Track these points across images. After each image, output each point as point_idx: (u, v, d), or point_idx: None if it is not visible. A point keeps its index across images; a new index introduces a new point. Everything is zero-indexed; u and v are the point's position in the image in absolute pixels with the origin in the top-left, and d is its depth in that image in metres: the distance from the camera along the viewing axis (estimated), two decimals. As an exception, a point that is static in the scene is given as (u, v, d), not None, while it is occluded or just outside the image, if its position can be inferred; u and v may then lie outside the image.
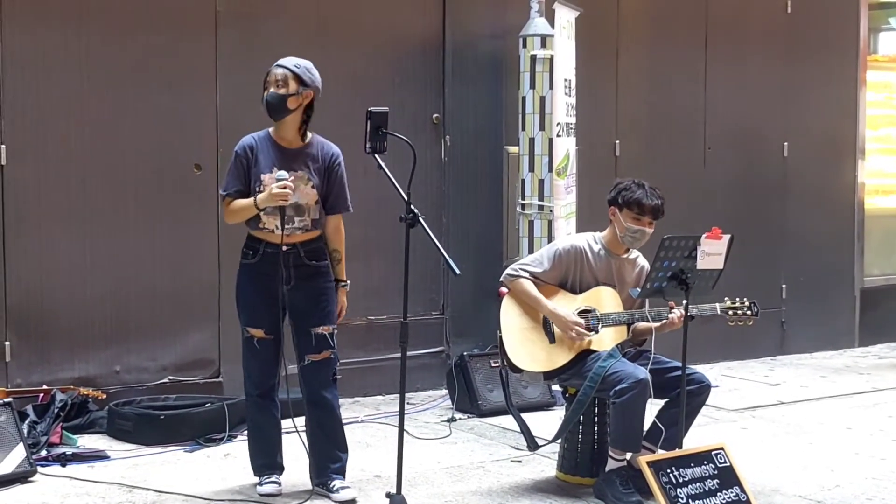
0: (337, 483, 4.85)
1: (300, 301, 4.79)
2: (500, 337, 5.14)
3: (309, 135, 4.83)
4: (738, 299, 5.14)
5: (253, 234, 4.79)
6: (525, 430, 5.30)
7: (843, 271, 9.41)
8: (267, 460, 4.96)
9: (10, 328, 6.05)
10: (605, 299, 5.12)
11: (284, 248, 4.70)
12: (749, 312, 5.11)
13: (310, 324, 4.82)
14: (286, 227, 4.68)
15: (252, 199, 4.68)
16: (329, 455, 4.89)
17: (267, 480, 4.93)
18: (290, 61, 4.74)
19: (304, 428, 4.91)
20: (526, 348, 5.09)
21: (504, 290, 5.22)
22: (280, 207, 4.63)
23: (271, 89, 4.69)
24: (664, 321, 5.01)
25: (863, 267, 9.52)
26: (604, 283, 5.15)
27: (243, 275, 4.84)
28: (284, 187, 4.58)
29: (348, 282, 4.96)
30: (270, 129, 4.83)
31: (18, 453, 5.08)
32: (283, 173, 4.64)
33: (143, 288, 6.40)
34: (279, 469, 4.99)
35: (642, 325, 5.11)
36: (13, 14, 6.00)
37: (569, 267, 5.15)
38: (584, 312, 5.07)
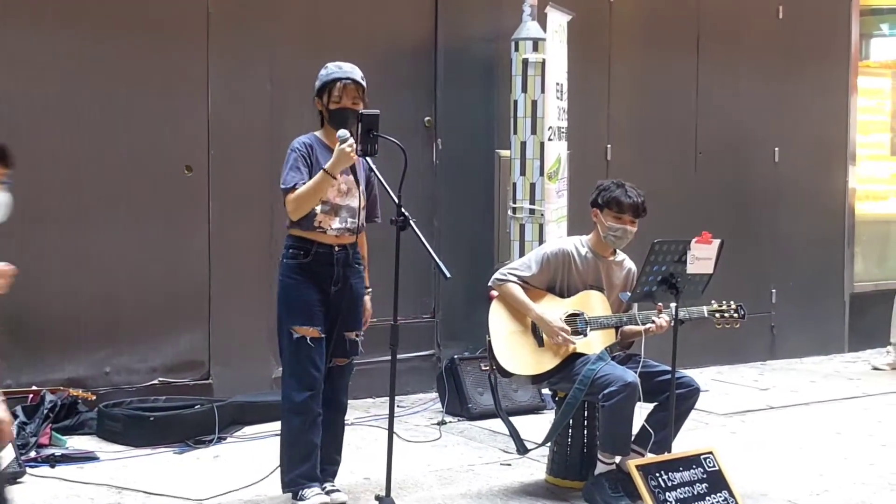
0: (328, 485, 4.84)
1: (343, 303, 4.76)
2: (489, 341, 5.14)
3: None
4: (724, 302, 5.17)
5: (302, 236, 4.70)
6: (514, 434, 5.28)
7: (833, 276, 9.43)
8: (306, 468, 4.71)
9: (-1, 329, 6.05)
10: (594, 303, 5.12)
11: (337, 248, 4.71)
12: (736, 315, 5.14)
13: (347, 328, 4.80)
14: (340, 226, 4.67)
15: (318, 174, 4.54)
16: (328, 457, 4.87)
17: (313, 493, 4.68)
18: (356, 73, 4.70)
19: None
20: (514, 352, 5.08)
21: (494, 293, 5.22)
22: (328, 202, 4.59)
23: (350, 104, 4.63)
24: (652, 324, 5.02)
25: (853, 272, 9.55)
26: (591, 286, 5.15)
27: (296, 275, 4.72)
28: (351, 145, 4.48)
29: (371, 289, 4.96)
30: (318, 133, 4.76)
31: (7, 454, 5.06)
32: (345, 132, 4.53)
33: (133, 289, 6.39)
34: (319, 480, 4.78)
35: (630, 328, 5.12)
36: (4, 16, 5.99)
37: (556, 270, 5.15)
38: (572, 316, 5.07)
